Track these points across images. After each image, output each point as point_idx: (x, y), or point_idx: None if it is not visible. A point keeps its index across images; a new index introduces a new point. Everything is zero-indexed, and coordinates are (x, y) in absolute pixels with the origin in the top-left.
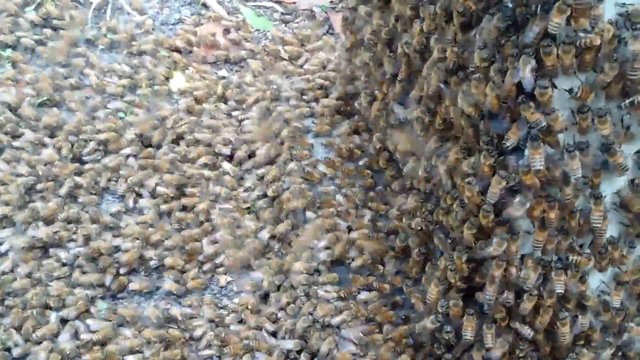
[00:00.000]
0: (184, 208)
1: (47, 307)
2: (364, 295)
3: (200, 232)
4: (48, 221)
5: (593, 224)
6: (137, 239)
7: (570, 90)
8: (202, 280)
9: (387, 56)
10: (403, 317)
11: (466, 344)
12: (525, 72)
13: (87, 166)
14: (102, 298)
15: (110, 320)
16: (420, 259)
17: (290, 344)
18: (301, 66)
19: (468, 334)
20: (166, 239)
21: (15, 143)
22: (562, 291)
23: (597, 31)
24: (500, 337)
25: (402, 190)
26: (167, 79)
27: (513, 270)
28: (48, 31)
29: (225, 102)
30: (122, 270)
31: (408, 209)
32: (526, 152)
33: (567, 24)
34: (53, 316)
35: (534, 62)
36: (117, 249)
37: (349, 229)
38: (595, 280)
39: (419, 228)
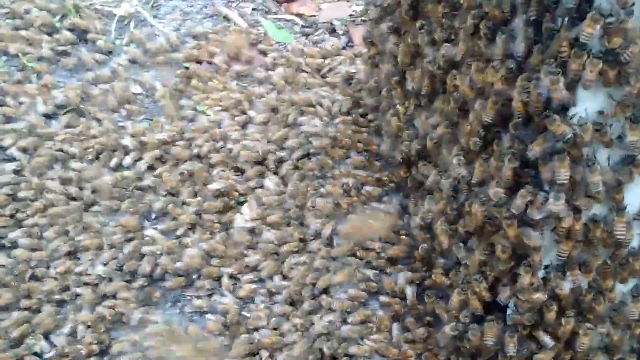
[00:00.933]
0: None
1: None
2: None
3: None
4: None
5: (617, 236)
6: None
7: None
8: None
9: (410, 71)
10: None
11: (488, 352)
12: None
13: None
14: None
15: None
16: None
17: None
18: (323, 78)
19: (490, 340)
20: None
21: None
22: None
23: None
24: (522, 346)
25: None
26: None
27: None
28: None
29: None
30: None
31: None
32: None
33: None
34: None
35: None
36: None
37: None
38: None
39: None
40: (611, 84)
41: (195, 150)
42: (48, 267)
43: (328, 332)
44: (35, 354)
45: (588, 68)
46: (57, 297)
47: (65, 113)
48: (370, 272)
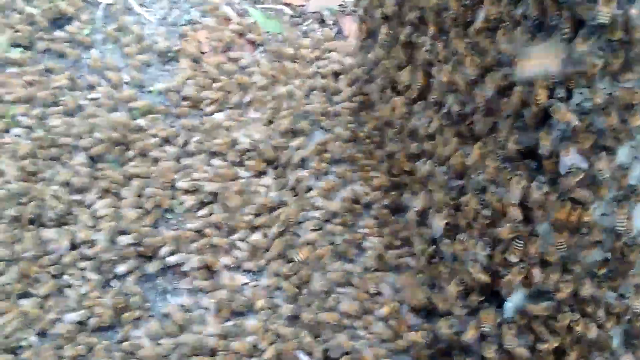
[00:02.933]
0: None
1: None
2: None
3: None
4: None
5: (617, 227)
6: None
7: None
8: None
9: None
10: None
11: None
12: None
13: None
14: None
15: None
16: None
17: None
18: (313, 68)
19: (487, 327)
20: None
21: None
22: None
23: None
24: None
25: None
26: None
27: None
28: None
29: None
30: None
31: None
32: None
33: None
34: None
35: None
36: None
37: None
38: None
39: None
40: None
41: None
42: None
43: None
44: None
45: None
46: None
47: None
48: None
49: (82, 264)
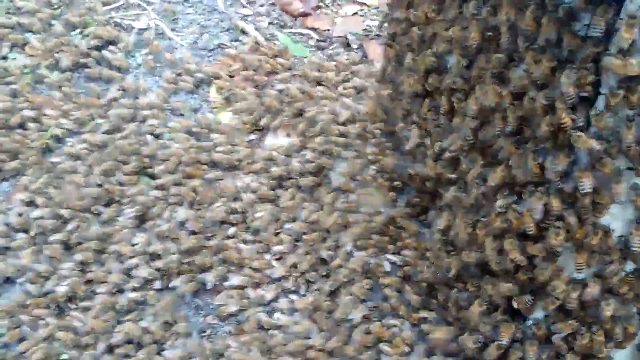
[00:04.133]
0: None
1: None
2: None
3: None
4: None
5: (632, 249)
6: None
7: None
8: None
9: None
10: None
11: None
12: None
13: None
14: None
15: None
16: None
17: None
18: (339, 91)
19: (504, 340)
20: None
21: None
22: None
23: None
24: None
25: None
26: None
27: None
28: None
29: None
30: None
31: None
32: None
33: None
34: None
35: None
36: None
37: None
38: None
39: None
40: None
41: None
42: None
43: None
44: None
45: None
46: None
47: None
48: None
49: None
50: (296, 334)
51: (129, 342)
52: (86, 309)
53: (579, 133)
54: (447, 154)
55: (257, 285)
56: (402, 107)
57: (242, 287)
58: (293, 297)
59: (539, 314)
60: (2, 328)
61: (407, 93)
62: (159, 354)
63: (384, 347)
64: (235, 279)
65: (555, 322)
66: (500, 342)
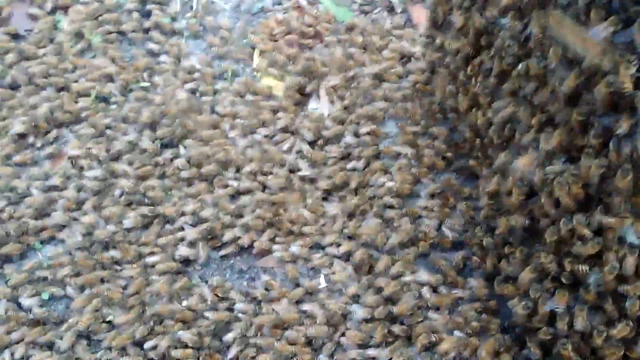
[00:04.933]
0: None
1: None
2: None
3: None
4: None
5: None
6: None
7: None
8: None
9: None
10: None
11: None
12: None
13: None
14: None
15: None
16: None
17: None
18: (383, 56)
19: (560, 307)
20: None
21: None
22: None
23: None
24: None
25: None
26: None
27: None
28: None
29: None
30: None
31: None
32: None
33: None
34: None
35: None
36: None
37: None
38: None
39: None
40: None
41: None
42: None
43: None
44: None
45: None
46: None
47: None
48: None
49: None
50: None
51: None
52: None
53: None
54: (498, 119)
55: None
56: (449, 72)
57: None
58: None
59: (591, 279)
60: None
61: (456, 56)
62: None
63: None
64: None
65: (609, 288)
66: (556, 309)
